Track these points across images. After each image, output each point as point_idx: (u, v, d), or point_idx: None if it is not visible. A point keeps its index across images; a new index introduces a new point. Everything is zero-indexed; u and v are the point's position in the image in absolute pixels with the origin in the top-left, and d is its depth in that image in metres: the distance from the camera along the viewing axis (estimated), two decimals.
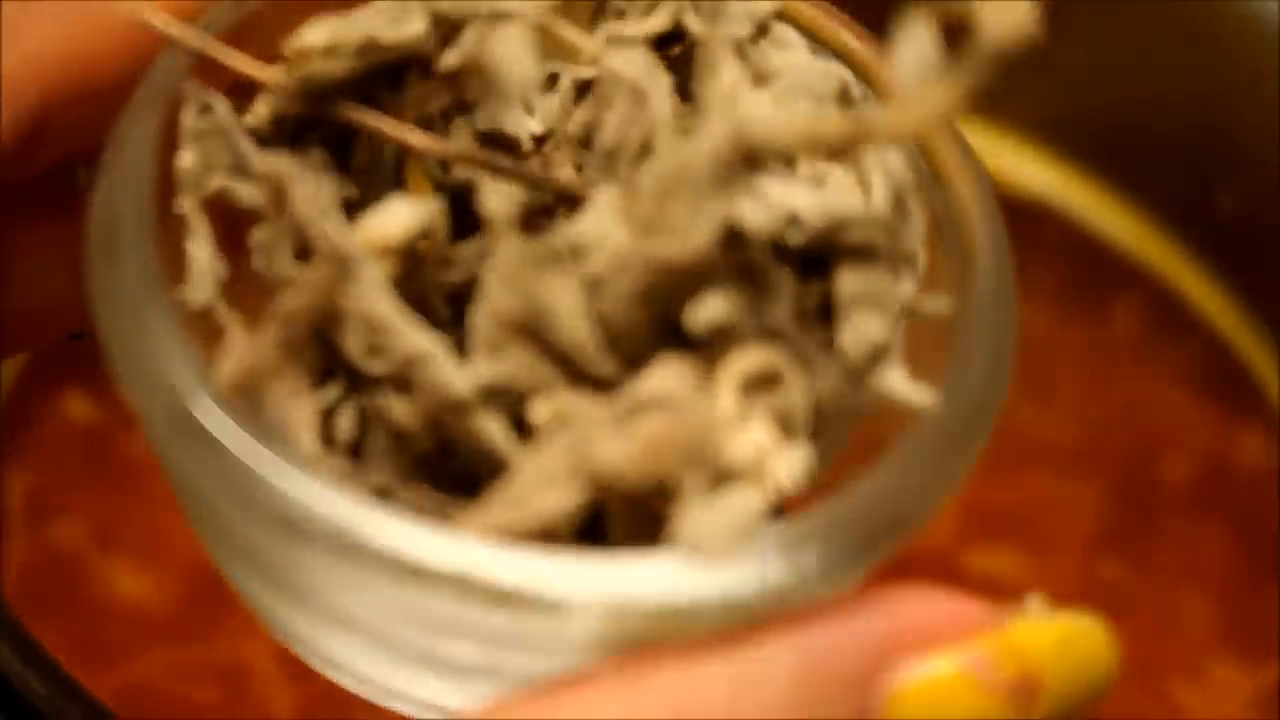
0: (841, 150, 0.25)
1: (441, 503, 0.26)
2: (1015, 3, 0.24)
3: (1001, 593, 0.27)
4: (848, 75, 0.30)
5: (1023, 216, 0.50)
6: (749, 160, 0.25)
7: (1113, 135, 0.50)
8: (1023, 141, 0.51)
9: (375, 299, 0.26)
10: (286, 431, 0.26)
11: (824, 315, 0.27)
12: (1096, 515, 0.47)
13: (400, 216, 0.26)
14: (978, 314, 0.28)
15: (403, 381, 0.26)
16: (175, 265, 0.28)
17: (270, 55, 0.28)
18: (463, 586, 0.24)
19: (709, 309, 0.25)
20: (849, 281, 0.27)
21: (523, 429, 0.26)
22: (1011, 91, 0.46)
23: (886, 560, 0.26)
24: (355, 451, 0.27)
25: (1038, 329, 0.48)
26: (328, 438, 0.27)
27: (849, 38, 0.30)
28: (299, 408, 0.27)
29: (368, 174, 0.29)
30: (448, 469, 0.27)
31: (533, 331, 0.26)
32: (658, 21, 0.29)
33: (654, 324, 0.26)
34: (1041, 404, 0.48)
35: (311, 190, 0.26)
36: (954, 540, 0.46)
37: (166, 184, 0.27)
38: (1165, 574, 0.46)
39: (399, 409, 0.26)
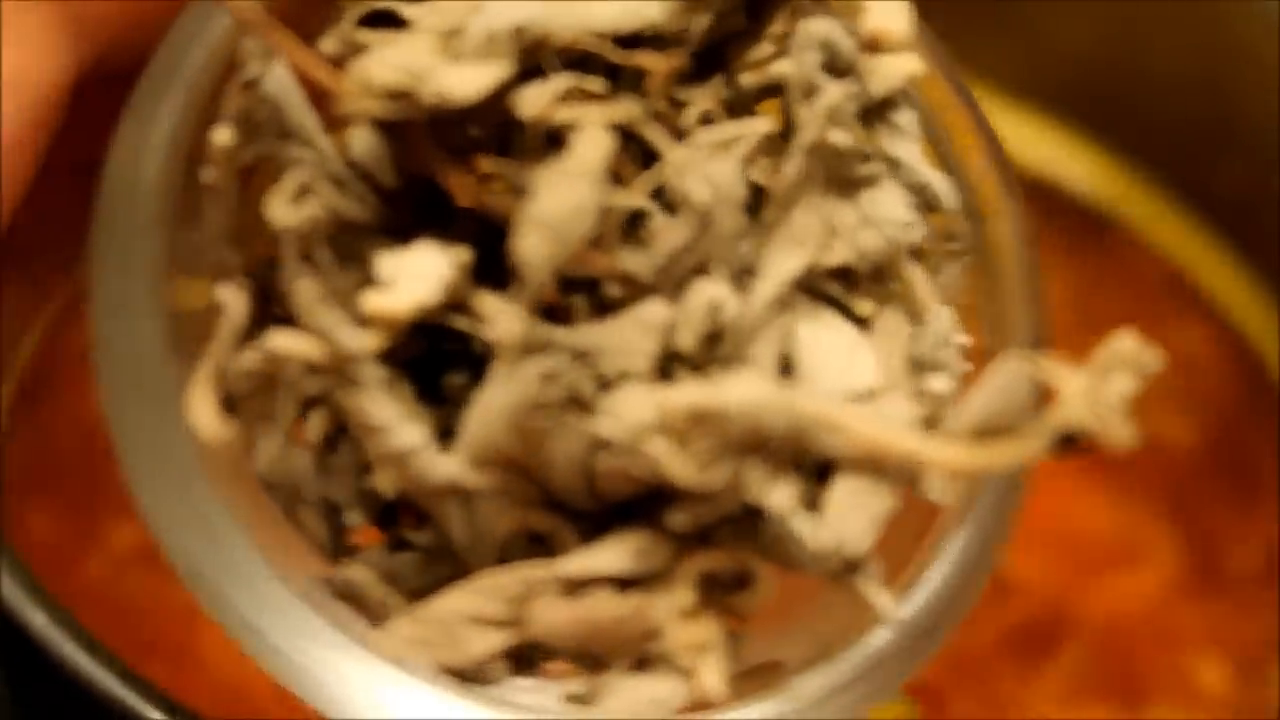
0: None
1: (385, 559, 0.26)
2: (1113, 396, 0.23)
3: None
4: (946, 188, 0.27)
5: (1028, 189, 0.49)
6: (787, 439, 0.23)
7: (1117, 108, 0.48)
8: (1028, 113, 0.48)
9: (372, 403, 0.25)
10: (253, 446, 0.26)
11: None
12: None
13: (416, 286, 0.25)
14: (967, 522, 0.27)
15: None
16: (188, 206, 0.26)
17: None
18: None
19: (689, 518, 0.24)
20: (842, 487, 0.25)
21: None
22: (1018, 64, 0.44)
23: None
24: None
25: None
26: (297, 435, 0.26)
27: (970, 129, 0.28)
28: (266, 429, 0.26)
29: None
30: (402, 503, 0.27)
31: (522, 466, 0.25)
32: (764, 123, 0.26)
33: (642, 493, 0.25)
34: None
35: (316, 282, 0.25)
36: None
37: (194, 146, 0.26)
38: None
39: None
